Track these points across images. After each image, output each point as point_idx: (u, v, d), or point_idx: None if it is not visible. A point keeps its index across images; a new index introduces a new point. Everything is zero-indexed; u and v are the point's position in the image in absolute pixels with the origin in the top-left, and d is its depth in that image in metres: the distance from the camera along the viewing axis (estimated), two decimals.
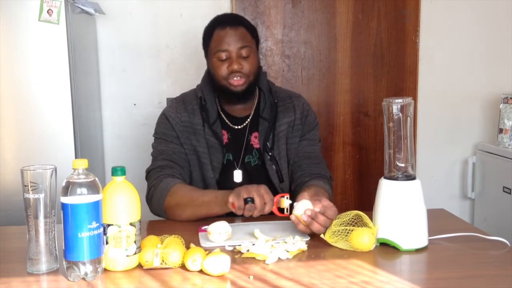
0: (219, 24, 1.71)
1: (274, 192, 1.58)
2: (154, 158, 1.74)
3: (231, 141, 1.76)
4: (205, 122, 1.73)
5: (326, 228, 1.36)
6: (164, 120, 1.76)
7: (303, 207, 1.35)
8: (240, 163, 1.75)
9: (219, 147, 1.72)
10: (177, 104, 1.78)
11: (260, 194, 1.41)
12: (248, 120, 1.78)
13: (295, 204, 1.39)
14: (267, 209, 1.42)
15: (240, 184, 1.63)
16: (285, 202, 1.46)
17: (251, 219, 1.53)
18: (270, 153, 1.74)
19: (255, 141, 1.77)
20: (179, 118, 1.74)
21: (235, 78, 1.68)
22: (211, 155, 1.72)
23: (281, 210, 1.47)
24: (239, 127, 1.77)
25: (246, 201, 1.41)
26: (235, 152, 1.76)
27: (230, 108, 1.78)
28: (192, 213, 1.57)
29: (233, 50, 1.67)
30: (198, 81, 1.84)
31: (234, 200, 1.42)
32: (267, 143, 1.74)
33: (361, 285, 1.11)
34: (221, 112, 1.78)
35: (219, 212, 1.53)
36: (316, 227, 1.35)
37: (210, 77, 1.76)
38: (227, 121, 1.77)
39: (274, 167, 1.74)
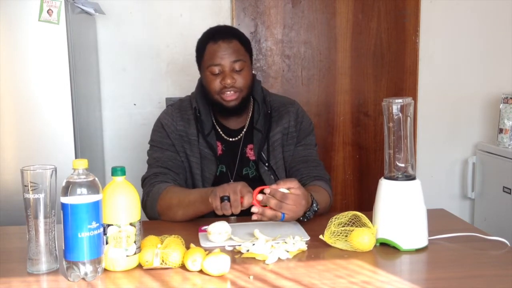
0: (212, 38, 1.69)
1: None
2: (150, 166, 1.74)
3: (225, 153, 1.76)
4: (199, 133, 1.72)
5: (282, 212, 1.38)
6: (159, 128, 1.75)
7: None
8: (235, 175, 1.75)
9: (212, 158, 1.72)
10: (173, 112, 1.77)
11: (235, 190, 1.39)
12: (243, 132, 1.77)
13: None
14: (245, 203, 1.38)
15: None
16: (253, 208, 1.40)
17: (250, 219, 1.54)
18: (266, 164, 1.73)
19: (250, 153, 1.76)
20: (175, 126, 1.74)
21: (227, 93, 1.67)
22: (204, 166, 1.72)
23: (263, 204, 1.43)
24: (234, 139, 1.77)
25: (222, 199, 1.39)
26: (229, 164, 1.75)
27: (224, 120, 1.77)
28: (182, 213, 1.57)
29: (226, 64, 1.65)
30: (197, 81, 1.83)
31: (212, 200, 1.42)
32: (262, 154, 1.74)
33: (361, 285, 1.11)
34: (215, 124, 1.77)
35: (205, 211, 1.53)
36: (267, 213, 1.37)
37: (203, 89, 1.75)
38: (221, 133, 1.77)
39: (272, 177, 1.74)
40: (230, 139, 1.77)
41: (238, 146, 1.77)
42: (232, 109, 1.70)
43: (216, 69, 1.66)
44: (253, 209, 1.38)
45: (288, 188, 1.40)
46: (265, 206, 1.41)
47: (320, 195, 1.59)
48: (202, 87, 1.75)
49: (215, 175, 1.73)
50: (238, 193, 1.39)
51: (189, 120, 1.74)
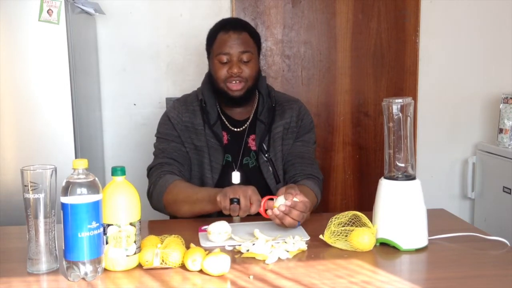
0: (223, 27, 1.74)
1: (268, 192, 1.60)
2: (156, 156, 1.77)
3: (230, 143, 1.78)
4: (205, 123, 1.75)
5: (299, 221, 1.39)
6: (165, 121, 1.79)
7: (281, 202, 1.38)
8: (238, 165, 1.77)
9: (219, 147, 1.74)
10: (179, 105, 1.80)
11: (246, 195, 1.41)
12: (247, 123, 1.80)
13: (274, 199, 1.40)
14: (253, 210, 1.41)
15: None
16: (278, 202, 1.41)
17: (251, 219, 1.54)
18: (266, 155, 1.76)
19: (252, 143, 1.79)
20: (180, 118, 1.77)
21: (233, 82, 1.71)
22: (211, 156, 1.74)
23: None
24: (239, 129, 1.80)
25: (232, 201, 1.41)
26: (234, 153, 1.78)
27: (230, 111, 1.81)
28: (188, 209, 1.59)
29: (234, 54, 1.70)
30: (198, 81, 1.85)
31: (221, 200, 1.43)
32: (263, 145, 1.77)
33: (361, 285, 1.11)
34: (221, 114, 1.80)
35: (211, 210, 1.54)
36: (288, 221, 1.38)
37: (210, 80, 1.79)
38: (227, 123, 1.80)
39: (270, 168, 1.77)
40: (235, 129, 1.80)
41: (242, 137, 1.79)
42: (237, 99, 1.74)
43: (225, 58, 1.70)
44: (275, 211, 1.38)
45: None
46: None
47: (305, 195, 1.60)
48: (210, 78, 1.79)
49: (222, 164, 1.75)
50: (248, 198, 1.40)
51: (195, 111, 1.77)
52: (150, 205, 1.70)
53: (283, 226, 1.41)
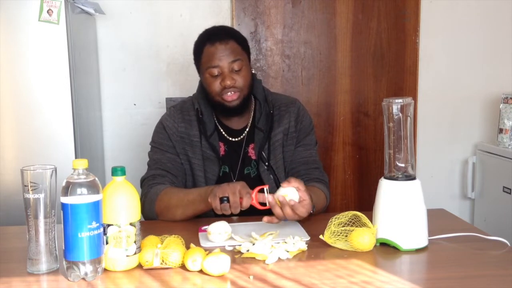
0: (208, 39, 1.69)
1: None
2: (149, 167, 1.74)
3: (227, 153, 1.76)
4: (202, 134, 1.72)
5: (299, 216, 1.40)
6: (161, 130, 1.76)
7: (286, 192, 1.39)
8: (237, 175, 1.75)
9: (215, 159, 1.72)
10: (175, 113, 1.77)
11: (235, 191, 1.40)
12: (246, 132, 1.78)
13: (280, 188, 1.41)
14: (245, 204, 1.39)
15: None
16: (266, 195, 1.42)
17: (250, 219, 1.54)
18: (266, 163, 1.74)
19: (252, 153, 1.77)
20: (176, 128, 1.74)
21: (228, 94, 1.67)
22: (207, 167, 1.72)
23: (262, 203, 1.43)
24: (237, 139, 1.77)
25: (222, 200, 1.40)
26: (232, 164, 1.75)
27: (227, 121, 1.77)
28: (182, 213, 1.58)
29: (224, 66, 1.66)
30: (198, 82, 1.83)
31: (211, 201, 1.43)
32: (263, 153, 1.74)
33: (361, 285, 1.11)
34: (218, 125, 1.77)
35: (204, 209, 1.54)
36: (287, 212, 1.38)
37: (204, 91, 1.75)
38: (224, 133, 1.77)
39: (271, 176, 1.74)
40: (233, 139, 1.77)
41: (241, 146, 1.77)
42: (233, 109, 1.70)
43: (215, 71, 1.66)
44: (264, 220, 1.41)
45: (295, 187, 1.40)
46: (264, 204, 1.41)
47: (316, 196, 1.60)
48: (203, 88, 1.75)
49: (218, 175, 1.73)
50: (237, 194, 1.40)
51: (191, 121, 1.74)
52: (143, 217, 1.66)
53: (280, 216, 1.40)
